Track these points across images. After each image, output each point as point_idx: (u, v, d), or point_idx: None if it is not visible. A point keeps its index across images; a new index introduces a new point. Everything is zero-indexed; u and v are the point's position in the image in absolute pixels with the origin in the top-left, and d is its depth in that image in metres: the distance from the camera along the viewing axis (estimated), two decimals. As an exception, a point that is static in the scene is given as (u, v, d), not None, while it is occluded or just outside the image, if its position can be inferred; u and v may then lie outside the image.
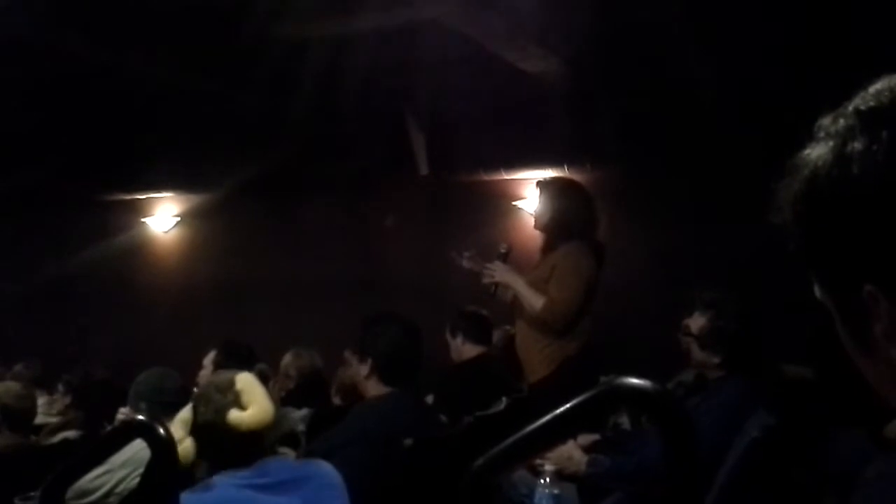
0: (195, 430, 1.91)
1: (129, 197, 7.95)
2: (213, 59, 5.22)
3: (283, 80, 5.40)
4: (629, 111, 5.18)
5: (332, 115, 5.72)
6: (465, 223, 5.97)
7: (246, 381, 1.97)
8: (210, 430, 1.92)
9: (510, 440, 1.40)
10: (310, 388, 4.59)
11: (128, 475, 2.99)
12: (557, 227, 3.55)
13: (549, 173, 5.63)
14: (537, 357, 3.56)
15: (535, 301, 3.48)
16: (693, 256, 5.34)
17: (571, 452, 2.83)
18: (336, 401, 4.81)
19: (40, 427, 4.18)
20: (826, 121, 0.69)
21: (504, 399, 3.64)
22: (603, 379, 4.36)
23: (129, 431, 1.67)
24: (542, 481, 2.23)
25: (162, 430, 1.52)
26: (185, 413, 1.95)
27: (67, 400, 3.93)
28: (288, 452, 2.69)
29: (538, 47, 4.64)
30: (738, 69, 4.65)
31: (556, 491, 2.25)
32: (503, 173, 6.09)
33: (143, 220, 8.07)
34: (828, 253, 0.68)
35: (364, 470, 2.41)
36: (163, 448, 1.49)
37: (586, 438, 3.13)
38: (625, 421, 4.35)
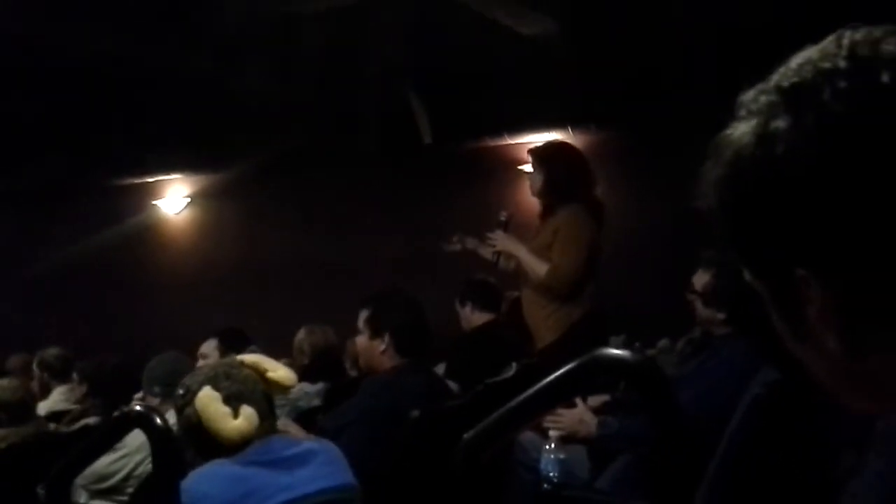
0: (185, 432, 1.88)
1: (138, 181, 7.99)
2: (209, 39, 5.20)
3: (282, 58, 5.40)
4: (631, 71, 5.12)
5: (332, 90, 5.71)
6: (472, 191, 5.96)
7: (205, 411, 1.86)
8: (199, 435, 1.89)
9: (497, 413, 1.42)
10: (324, 363, 4.62)
11: (144, 459, 3.05)
12: (552, 191, 3.55)
13: (552, 136, 5.61)
14: (543, 323, 3.57)
15: (538, 267, 3.49)
16: (699, 216, 5.29)
17: (582, 415, 2.84)
18: (353, 373, 4.86)
19: (63, 414, 4.26)
20: (748, 97, 0.65)
21: (514, 365, 3.66)
22: (613, 339, 4.37)
23: (128, 422, 1.69)
24: (546, 447, 2.25)
25: (158, 420, 1.54)
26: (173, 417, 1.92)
27: (84, 388, 4.00)
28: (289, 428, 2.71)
29: (534, 10, 4.59)
30: (742, 22, 4.58)
31: (561, 455, 2.27)
32: (507, 138, 6.05)
33: (154, 202, 8.11)
34: (756, 238, 0.65)
35: (373, 444, 2.44)
36: (160, 436, 1.52)
37: (597, 400, 3.15)
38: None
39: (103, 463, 3.03)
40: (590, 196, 3.60)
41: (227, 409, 1.91)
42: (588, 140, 5.41)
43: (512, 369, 3.73)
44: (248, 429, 1.93)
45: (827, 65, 0.62)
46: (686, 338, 4.07)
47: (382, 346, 2.87)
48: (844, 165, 0.59)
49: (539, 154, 3.72)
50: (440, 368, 4.13)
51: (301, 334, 4.81)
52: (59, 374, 4.88)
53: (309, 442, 2.15)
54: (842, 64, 0.61)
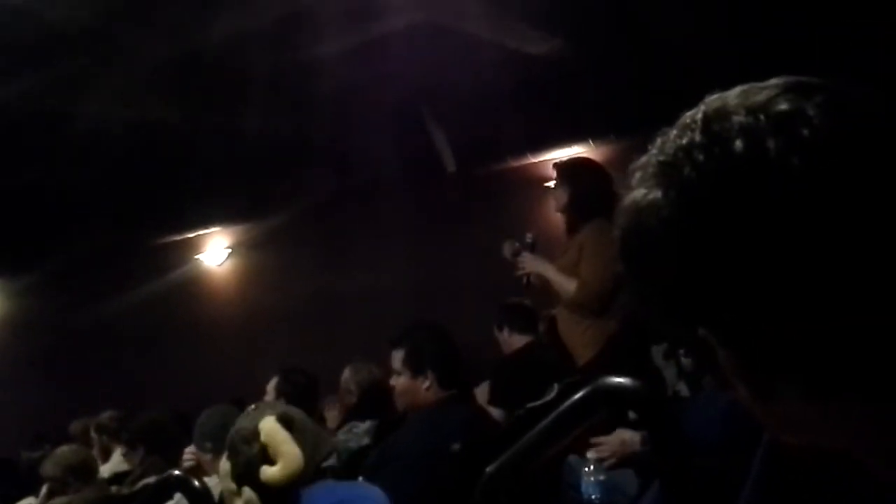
0: (237, 479, 1.97)
1: (180, 237, 8.20)
2: (235, 94, 5.35)
3: (305, 102, 5.52)
4: (650, 79, 5.12)
5: (354, 128, 5.81)
6: (502, 213, 5.99)
7: (269, 432, 2.00)
8: (248, 482, 1.98)
9: (515, 447, 1.45)
10: (372, 399, 4.66)
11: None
12: (577, 207, 3.57)
13: (574, 150, 5.62)
14: (580, 340, 3.57)
15: (567, 285, 3.50)
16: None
17: (623, 436, 2.83)
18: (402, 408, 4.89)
19: (125, 476, 4.37)
20: (638, 164, 0.68)
21: (555, 386, 3.66)
22: (654, 349, 4.34)
23: (169, 486, 1.76)
24: (585, 469, 2.26)
25: (197, 483, 1.60)
26: (224, 465, 2.02)
27: (142, 451, 4.10)
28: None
29: (535, 29, 4.63)
30: (759, 29, 4.56)
31: (601, 477, 2.28)
32: (529, 157, 6.08)
33: (196, 256, 8.31)
34: (652, 299, 0.67)
35: (418, 480, 2.47)
36: (199, 499, 1.57)
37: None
38: (683, 388, 4.32)
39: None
40: (614, 210, 3.60)
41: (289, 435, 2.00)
42: (610, 151, 5.42)
43: (553, 391, 3.73)
44: (298, 466, 1.99)
45: (685, 140, 0.64)
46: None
47: (427, 384, 2.88)
48: (708, 235, 0.61)
49: (563, 170, 3.74)
50: (482, 389, 4.15)
51: (346, 373, 4.87)
52: (116, 435, 5.01)
53: (351, 488, 2.19)
54: (697, 138, 0.64)
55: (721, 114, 0.64)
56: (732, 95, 0.66)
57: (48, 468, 3.61)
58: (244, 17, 4.58)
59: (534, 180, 6.19)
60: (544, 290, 3.69)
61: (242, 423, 2.06)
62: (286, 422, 2.01)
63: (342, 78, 5.11)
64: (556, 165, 3.81)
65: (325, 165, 6.49)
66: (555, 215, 4.03)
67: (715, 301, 0.62)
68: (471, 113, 5.82)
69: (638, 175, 0.68)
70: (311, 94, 5.42)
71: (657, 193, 0.65)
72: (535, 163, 6.15)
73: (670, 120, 0.71)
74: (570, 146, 5.64)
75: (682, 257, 0.62)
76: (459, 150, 6.15)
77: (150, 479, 3.82)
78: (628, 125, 5.50)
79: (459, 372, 2.99)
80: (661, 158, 0.66)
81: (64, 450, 3.86)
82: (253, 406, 2.27)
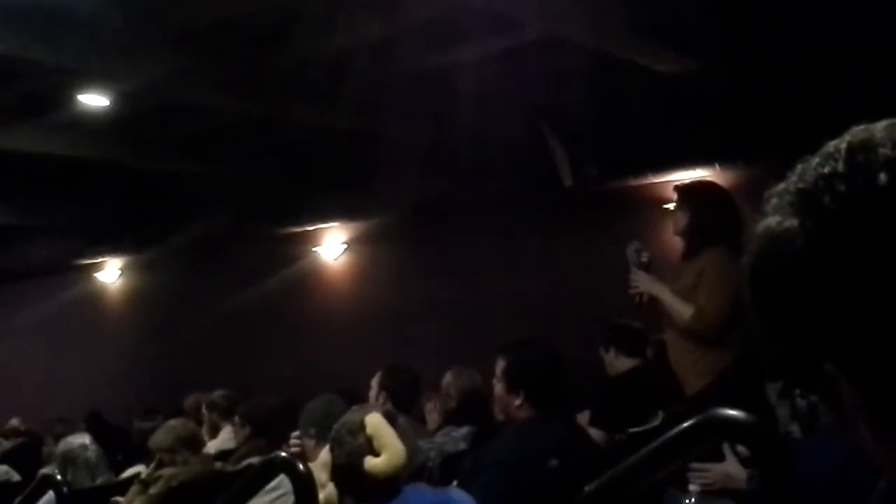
0: (335, 470, 2.03)
1: (300, 229, 8.48)
2: (356, 93, 5.49)
3: (426, 106, 5.62)
4: (781, 104, 4.94)
5: (475, 137, 5.86)
6: (617, 232, 5.88)
7: (376, 425, 2.05)
8: (348, 473, 2.03)
9: (617, 469, 1.43)
10: (470, 406, 4.69)
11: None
12: (697, 232, 3.46)
13: (699, 173, 5.47)
14: (692, 369, 3.47)
15: (683, 310, 3.40)
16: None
17: (729, 469, 2.74)
18: (500, 416, 4.89)
19: (230, 453, 4.55)
20: (774, 191, 0.67)
21: (660, 413, 3.57)
22: (770, 386, 4.17)
23: (273, 467, 1.82)
24: (686, 501, 2.20)
25: (301, 467, 1.65)
26: (325, 455, 2.08)
27: (247, 430, 4.25)
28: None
29: (669, 48, 4.54)
30: (886, 45, 4.33)
31: (702, 510, 2.21)
32: (650, 177, 5.96)
33: (314, 249, 8.57)
34: (782, 333, 0.65)
35: (507, 492, 2.47)
36: (302, 482, 1.63)
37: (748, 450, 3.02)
38: (795, 429, 4.13)
39: (267, 499, 3.22)
40: (737, 238, 3.49)
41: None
42: (736, 177, 5.24)
43: (658, 418, 3.64)
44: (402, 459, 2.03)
45: (827, 169, 0.63)
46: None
47: (518, 401, 2.89)
48: (846, 269, 0.59)
49: (685, 192, 3.63)
50: (585, 414, 4.09)
51: (448, 377, 4.91)
52: (226, 414, 5.21)
53: (441, 494, 2.21)
54: (840, 168, 0.62)
55: (867, 145, 0.63)
56: (879, 128, 0.64)
57: (158, 438, 3.76)
58: (381, 22, 4.71)
59: (653, 200, 6.07)
60: (656, 312, 3.61)
61: (348, 417, 2.11)
62: (391, 419, 2.05)
63: (468, 87, 5.16)
64: (677, 188, 3.70)
65: (442, 167, 6.56)
66: (671, 238, 3.93)
67: (848, 335, 0.60)
68: (593, 130, 5.77)
69: (774, 202, 0.66)
70: (439, 101, 5.51)
71: (793, 222, 0.63)
72: (656, 183, 6.02)
73: (801, 150, 0.70)
74: (693, 168, 5.49)
75: (817, 287, 0.61)
76: (579, 166, 6.09)
77: (254, 459, 3.97)
78: (757, 151, 5.32)
79: (556, 394, 2.95)
80: (801, 186, 0.65)
81: (174, 422, 4.05)
82: (357, 406, 2.33)
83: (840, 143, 0.65)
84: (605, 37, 4.45)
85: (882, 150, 0.62)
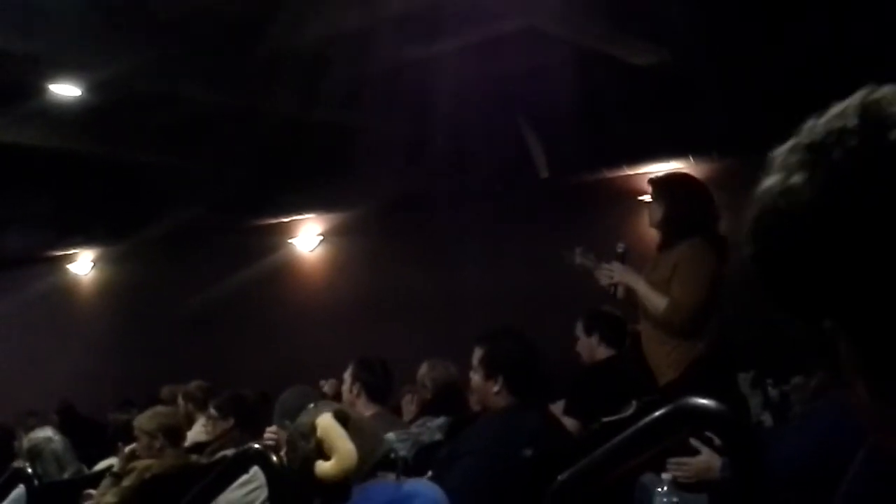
0: (293, 474, 1.99)
1: (275, 221, 8.43)
2: (335, 86, 5.47)
3: (402, 100, 5.61)
4: (753, 95, 4.97)
5: (452, 129, 5.85)
6: (592, 223, 5.92)
7: (325, 427, 2.01)
8: (302, 478, 2.01)
9: (590, 458, 1.44)
10: (446, 397, 4.69)
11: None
12: (673, 224, 3.47)
13: (672, 165, 5.51)
14: (665, 360, 3.49)
15: (658, 302, 3.42)
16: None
17: (710, 462, 2.75)
18: (477, 407, 4.91)
19: (205, 446, 4.52)
20: (778, 152, 0.67)
21: (634, 403, 3.59)
22: (742, 376, 4.19)
23: (247, 459, 1.81)
24: (658, 489, 2.22)
25: (275, 459, 1.64)
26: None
27: (230, 422, 4.22)
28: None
29: (644, 41, 4.56)
30: (862, 41, 4.38)
31: (675, 499, 2.22)
32: (625, 169, 5.99)
33: (289, 241, 8.53)
34: (784, 289, 0.66)
35: (483, 481, 2.48)
36: (276, 474, 1.62)
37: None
38: (767, 418, 4.18)
39: (240, 493, 3.20)
40: (712, 230, 3.51)
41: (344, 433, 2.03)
42: (710, 169, 5.29)
43: (632, 407, 3.66)
44: (351, 462, 2.01)
45: (839, 124, 0.64)
46: (821, 375, 3.87)
47: (496, 388, 2.90)
48: (854, 222, 0.60)
49: (660, 184, 3.64)
50: (559, 405, 4.11)
51: (423, 369, 4.91)
52: (201, 405, 5.17)
53: (407, 485, 2.20)
54: (852, 123, 0.63)
55: (880, 103, 0.64)
56: (888, 89, 0.65)
57: (143, 421, 3.72)
58: (359, 14, 4.68)
59: (628, 192, 6.10)
60: (630, 302, 3.63)
61: (302, 418, 2.08)
62: (342, 419, 2.03)
63: (445, 80, 5.15)
64: (652, 180, 3.72)
65: (416, 161, 6.56)
66: (646, 229, 3.95)
67: (851, 289, 0.61)
68: (569, 122, 5.78)
69: (779, 160, 0.67)
70: (416, 93, 5.50)
71: (800, 177, 0.64)
72: (630, 175, 6.06)
73: (775, 142, 0.70)
74: (668, 161, 5.53)
75: (822, 241, 0.61)
76: (555, 158, 6.11)
77: (229, 451, 3.95)
78: (731, 144, 5.36)
79: (533, 381, 2.98)
80: (808, 141, 0.65)
81: (163, 409, 4.00)
82: (312, 404, 2.31)
83: (852, 101, 0.65)
84: (581, 29, 4.46)
85: (893, 109, 0.62)
